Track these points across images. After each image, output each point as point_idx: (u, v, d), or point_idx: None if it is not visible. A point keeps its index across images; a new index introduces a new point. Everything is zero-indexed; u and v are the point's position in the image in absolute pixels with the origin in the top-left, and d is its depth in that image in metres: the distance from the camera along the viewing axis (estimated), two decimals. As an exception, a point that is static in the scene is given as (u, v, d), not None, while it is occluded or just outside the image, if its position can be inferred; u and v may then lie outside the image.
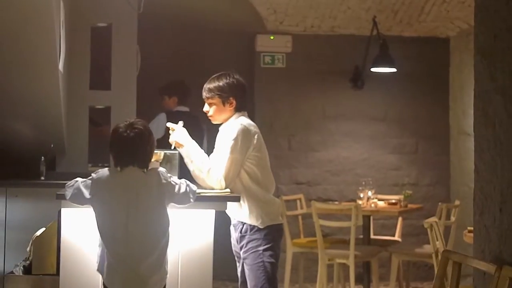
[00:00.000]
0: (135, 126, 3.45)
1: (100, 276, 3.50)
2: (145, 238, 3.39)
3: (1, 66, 4.54)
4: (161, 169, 3.57)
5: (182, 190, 3.50)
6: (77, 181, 3.49)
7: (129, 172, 3.44)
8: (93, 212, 3.44)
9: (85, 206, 3.48)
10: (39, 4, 4.00)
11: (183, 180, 3.59)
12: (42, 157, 5.43)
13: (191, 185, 3.61)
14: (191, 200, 3.55)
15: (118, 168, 3.46)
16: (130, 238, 3.37)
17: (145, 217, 3.39)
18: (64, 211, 3.67)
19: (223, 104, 3.94)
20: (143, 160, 3.47)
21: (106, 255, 3.40)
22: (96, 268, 3.48)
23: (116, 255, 3.37)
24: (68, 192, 3.47)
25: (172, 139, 3.94)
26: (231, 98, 3.94)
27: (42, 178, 5.35)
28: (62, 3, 4.73)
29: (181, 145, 3.91)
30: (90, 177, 3.47)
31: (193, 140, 3.94)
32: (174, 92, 6.57)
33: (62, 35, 4.81)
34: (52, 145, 5.55)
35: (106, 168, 3.51)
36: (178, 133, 3.93)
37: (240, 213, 3.91)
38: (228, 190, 3.82)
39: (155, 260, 3.39)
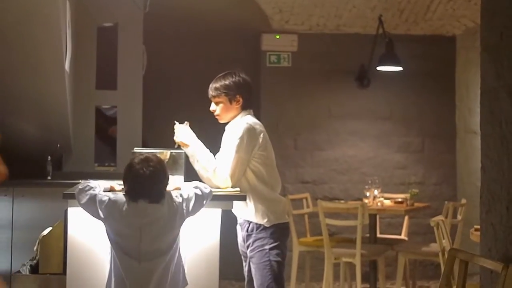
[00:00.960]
0: (150, 164, 3.43)
1: (107, 274, 3.51)
2: (156, 255, 3.41)
3: (7, 66, 4.55)
4: (172, 192, 3.56)
5: (192, 203, 3.50)
6: (91, 187, 3.49)
7: (142, 203, 3.46)
8: (105, 228, 3.46)
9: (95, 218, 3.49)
10: (46, 4, 4.01)
11: (191, 189, 3.58)
12: (49, 157, 5.45)
13: (203, 188, 3.60)
14: (204, 203, 3.55)
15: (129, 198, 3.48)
16: (142, 257, 3.39)
17: (157, 239, 3.42)
18: (71, 211, 3.67)
19: (230, 102, 3.94)
20: (156, 197, 3.46)
21: (116, 271, 3.42)
22: (105, 285, 3.50)
23: (128, 270, 3.40)
24: (82, 197, 3.46)
25: (177, 139, 3.94)
26: (237, 96, 3.93)
27: (49, 177, 5.36)
28: (68, 3, 4.74)
29: (186, 145, 3.91)
30: (107, 195, 3.46)
31: (199, 140, 3.94)
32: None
33: (68, 35, 4.82)
34: (58, 145, 5.57)
35: (121, 194, 3.50)
36: (183, 132, 3.93)
37: (246, 212, 3.91)
38: (237, 189, 3.82)
39: (162, 271, 3.41)
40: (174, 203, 3.47)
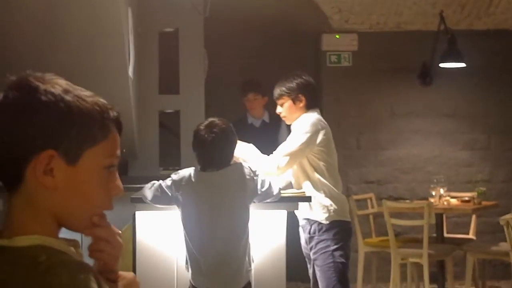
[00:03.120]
0: (213, 129, 3.46)
1: (175, 276, 3.54)
2: (229, 234, 3.41)
3: (72, 74, 4.63)
4: (246, 164, 3.57)
5: (266, 187, 3.50)
6: (154, 183, 3.54)
7: (211, 171, 3.47)
8: (178, 212, 3.49)
9: (168, 206, 3.52)
10: (108, 12, 4.07)
11: (267, 177, 3.59)
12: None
13: (276, 184, 3.59)
14: (273, 194, 3.53)
15: (199, 167, 3.51)
16: (215, 235, 3.39)
17: (228, 212, 3.42)
18: (139, 214, 3.73)
19: (294, 102, 3.98)
20: (221, 162, 3.48)
21: (192, 253, 3.44)
22: (185, 267, 3.52)
23: (202, 252, 3.41)
24: (149, 194, 3.51)
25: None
26: (300, 96, 3.97)
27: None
28: (130, 10, 4.81)
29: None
30: (170, 178, 3.51)
31: (256, 152, 3.96)
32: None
33: (131, 41, 4.88)
34: (124, 150, 5.64)
35: (188, 168, 3.54)
36: (243, 149, 3.97)
37: (307, 210, 3.91)
38: (303, 190, 3.82)
39: (240, 255, 3.41)
40: (247, 174, 3.45)
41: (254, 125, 5.99)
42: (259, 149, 3.95)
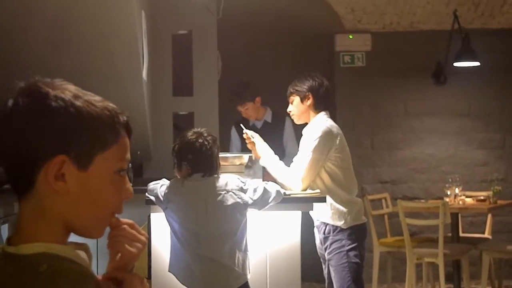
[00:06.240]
0: (203, 137, 3.51)
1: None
2: (214, 240, 3.43)
3: (86, 77, 4.66)
4: (233, 176, 3.58)
5: (259, 193, 3.50)
6: (155, 189, 3.57)
7: (197, 179, 3.49)
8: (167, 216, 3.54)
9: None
10: (122, 14, 4.09)
11: (261, 184, 3.59)
12: (130, 164, 5.56)
13: (273, 188, 3.59)
14: (271, 203, 3.54)
15: (188, 173, 3.53)
16: (201, 241, 3.42)
17: (213, 220, 3.44)
18: (154, 216, 3.75)
19: (301, 101, 4.00)
20: (207, 168, 3.50)
21: (179, 256, 3.47)
22: (168, 269, 3.55)
23: (191, 255, 3.45)
24: (152, 198, 3.59)
25: (255, 151, 4.03)
26: (308, 94, 3.98)
27: (131, 184, 5.47)
28: (143, 12, 4.83)
29: (258, 156, 4.01)
30: (164, 184, 3.56)
31: (266, 149, 4.00)
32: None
33: (144, 44, 4.90)
34: (138, 152, 5.68)
35: (176, 178, 3.57)
36: (256, 145, 4.01)
37: (323, 214, 3.92)
38: (317, 190, 3.83)
39: (225, 261, 3.42)
40: (235, 185, 3.48)
41: (256, 126, 5.69)
42: None
